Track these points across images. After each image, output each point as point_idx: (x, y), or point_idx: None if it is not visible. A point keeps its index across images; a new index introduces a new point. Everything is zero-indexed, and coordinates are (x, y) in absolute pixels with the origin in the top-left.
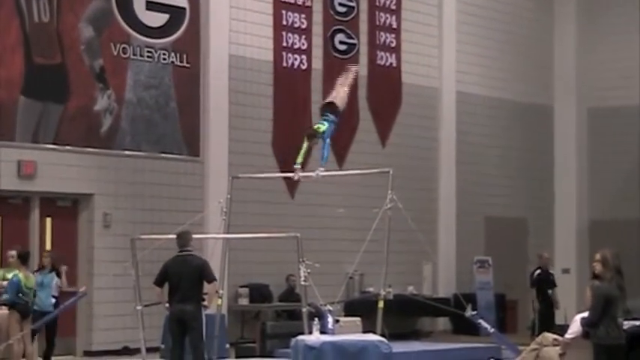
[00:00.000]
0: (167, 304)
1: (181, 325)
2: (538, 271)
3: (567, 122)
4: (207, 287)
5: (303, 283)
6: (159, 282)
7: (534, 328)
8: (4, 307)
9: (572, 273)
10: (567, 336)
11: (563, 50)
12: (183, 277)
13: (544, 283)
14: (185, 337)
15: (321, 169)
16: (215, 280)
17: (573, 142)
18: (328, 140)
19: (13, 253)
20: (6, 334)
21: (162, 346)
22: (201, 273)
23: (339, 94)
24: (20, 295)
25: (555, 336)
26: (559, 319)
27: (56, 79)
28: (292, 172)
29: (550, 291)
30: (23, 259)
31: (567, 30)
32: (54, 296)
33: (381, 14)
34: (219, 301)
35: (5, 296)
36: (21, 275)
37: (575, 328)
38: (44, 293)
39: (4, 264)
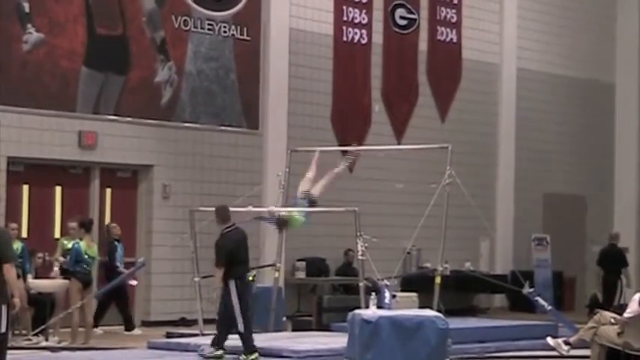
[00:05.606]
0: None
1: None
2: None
3: (629, 99)
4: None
5: (360, 257)
6: None
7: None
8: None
9: (632, 252)
10: (626, 315)
11: (625, 26)
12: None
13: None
14: None
15: None
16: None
17: (635, 119)
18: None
19: (74, 225)
20: (66, 303)
21: None
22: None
23: (320, 185)
24: (81, 263)
25: (614, 314)
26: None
27: (118, 50)
28: (351, 145)
29: (623, 269)
30: (86, 227)
31: (631, 4)
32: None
33: None
34: (276, 274)
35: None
36: (82, 244)
37: (634, 307)
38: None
39: (64, 233)
